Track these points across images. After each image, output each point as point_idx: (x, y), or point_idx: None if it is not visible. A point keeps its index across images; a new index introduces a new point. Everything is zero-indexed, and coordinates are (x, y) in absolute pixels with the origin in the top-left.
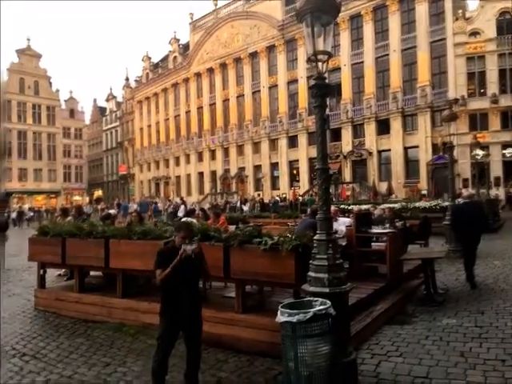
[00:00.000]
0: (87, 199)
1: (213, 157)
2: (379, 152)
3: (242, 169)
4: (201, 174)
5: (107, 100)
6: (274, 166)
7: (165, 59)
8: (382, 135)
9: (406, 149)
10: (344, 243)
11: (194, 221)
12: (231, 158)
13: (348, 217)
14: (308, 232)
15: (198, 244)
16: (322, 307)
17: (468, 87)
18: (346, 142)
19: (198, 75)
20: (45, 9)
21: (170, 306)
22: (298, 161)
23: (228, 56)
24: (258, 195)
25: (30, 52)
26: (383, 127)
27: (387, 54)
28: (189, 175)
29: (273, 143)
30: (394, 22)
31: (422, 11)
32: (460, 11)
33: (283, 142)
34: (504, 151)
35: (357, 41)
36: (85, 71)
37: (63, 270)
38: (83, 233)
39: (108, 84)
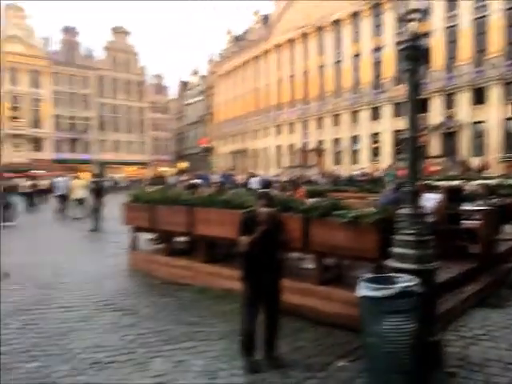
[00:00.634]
0: (172, 170)
1: (291, 130)
2: (472, 124)
3: (320, 142)
4: (279, 148)
5: (191, 75)
6: (354, 139)
7: (246, 32)
8: (477, 105)
9: (508, 120)
10: (431, 220)
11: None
12: (310, 130)
13: (435, 193)
14: (391, 206)
15: (277, 213)
16: (409, 283)
17: None
18: (434, 114)
19: (279, 47)
20: None
21: (251, 273)
22: (380, 134)
23: (310, 25)
24: (337, 169)
25: (121, 30)
26: (478, 97)
27: (486, 15)
28: (267, 148)
29: (354, 115)
30: None
31: None
32: None
33: (365, 114)
34: None
35: (451, 1)
36: (169, 47)
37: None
38: (169, 200)
39: (192, 59)
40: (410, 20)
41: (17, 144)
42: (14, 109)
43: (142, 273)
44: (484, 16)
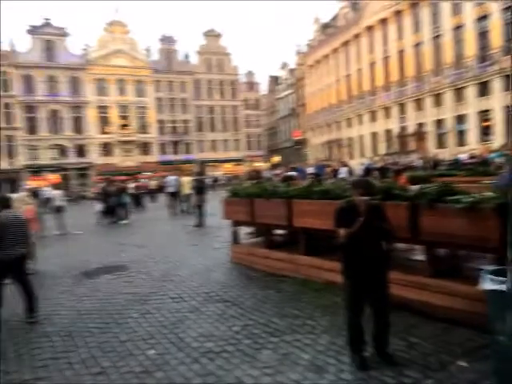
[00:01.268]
0: (267, 165)
1: (387, 115)
2: None
3: (420, 125)
4: (374, 134)
5: (281, 69)
6: (460, 118)
7: (334, 18)
8: None
9: None
10: None
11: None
12: (408, 114)
13: None
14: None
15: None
16: None
17: None
18: None
19: (370, 29)
20: None
21: (351, 267)
22: (489, 111)
23: (404, 1)
24: (441, 153)
25: (213, 33)
26: None
27: None
28: (362, 136)
29: (458, 93)
30: None
31: None
32: None
33: (471, 91)
34: None
35: None
36: (258, 43)
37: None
38: (267, 193)
39: (281, 53)
40: None
41: (127, 149)
42: (124, 118)
43: (243, 265)
44: None
